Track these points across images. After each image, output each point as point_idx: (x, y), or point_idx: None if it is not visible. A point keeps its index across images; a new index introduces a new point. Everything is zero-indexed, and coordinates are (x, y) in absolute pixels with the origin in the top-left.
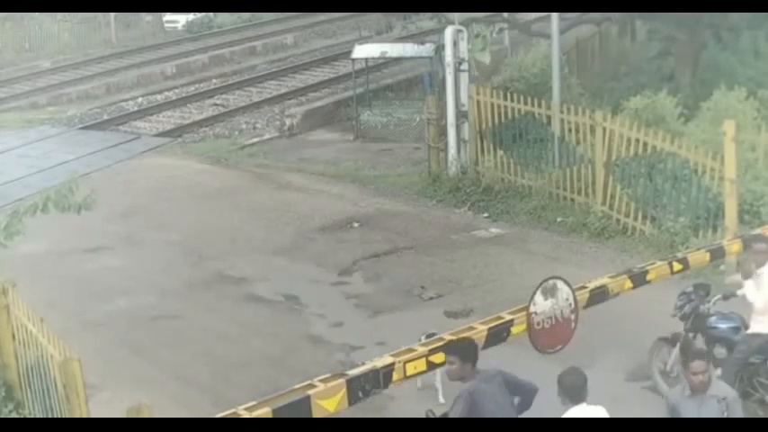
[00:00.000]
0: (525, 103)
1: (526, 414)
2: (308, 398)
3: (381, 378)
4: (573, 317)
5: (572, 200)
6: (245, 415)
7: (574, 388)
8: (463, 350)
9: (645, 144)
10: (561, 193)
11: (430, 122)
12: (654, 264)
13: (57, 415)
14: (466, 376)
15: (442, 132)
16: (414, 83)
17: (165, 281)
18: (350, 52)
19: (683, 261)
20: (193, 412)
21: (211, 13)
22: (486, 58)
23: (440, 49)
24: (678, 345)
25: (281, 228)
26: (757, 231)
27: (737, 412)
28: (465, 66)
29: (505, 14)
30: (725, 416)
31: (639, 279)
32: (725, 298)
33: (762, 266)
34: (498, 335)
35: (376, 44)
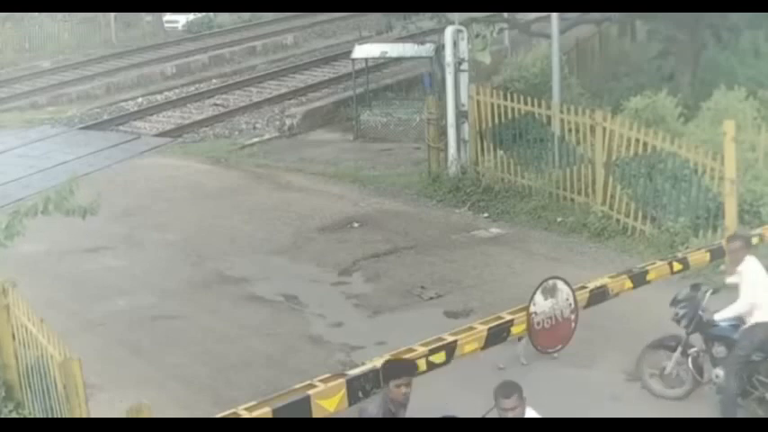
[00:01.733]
0: (525, 103)
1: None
2: (307, 398)
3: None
4: (573, 317)
5: (572, 200)
6: (245, 415)
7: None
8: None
9: (645, 144)
10: (561, 193)
11: (430, 122)
12: (654, 264)
13: (57, 415)
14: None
15: (442, 132)
16: (414, 83)
17: (165, 281)
18: (350, 52)
19: (683, 261)
20: (193, 412)
21: (211, 13)
22: (486, 58)
23: (440, 49)
24: (679, 348)
25: (281, 228)
26: (758, 231)
27: None
28: (465, 66)
29: (505, 14)
30: None
31: (639, 279)
32: (714, 293)
33: (739, 264)
34: (498, 335)
35: (376, 44)
